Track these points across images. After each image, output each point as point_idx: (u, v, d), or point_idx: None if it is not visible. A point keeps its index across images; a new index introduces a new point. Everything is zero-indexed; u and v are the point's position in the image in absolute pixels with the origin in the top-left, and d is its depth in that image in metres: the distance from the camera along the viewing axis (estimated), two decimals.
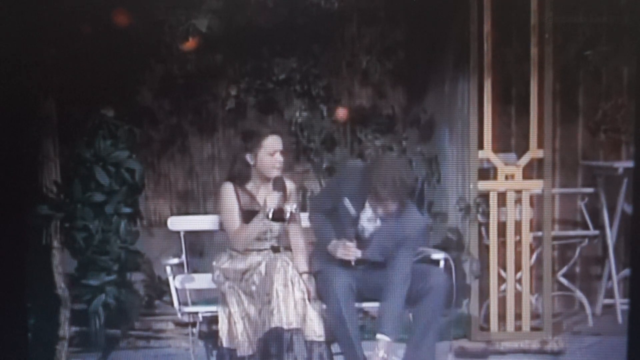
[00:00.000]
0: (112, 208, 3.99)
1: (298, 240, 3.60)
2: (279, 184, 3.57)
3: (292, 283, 3.40)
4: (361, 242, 3.51)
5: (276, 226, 3.58)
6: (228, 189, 3.58)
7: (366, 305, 3.59)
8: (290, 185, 3.64)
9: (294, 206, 3.56)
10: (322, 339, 3.42)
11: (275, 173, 3.55)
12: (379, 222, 3.51)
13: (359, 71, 4.50)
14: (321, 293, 3.46)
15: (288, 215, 3.52)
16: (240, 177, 3.59)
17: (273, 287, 3.37)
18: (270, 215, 3.49)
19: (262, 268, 3.47)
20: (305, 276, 3.49)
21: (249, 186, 3.60)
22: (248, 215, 3.56)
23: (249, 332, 3.44)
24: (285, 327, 3.33)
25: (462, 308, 4.21)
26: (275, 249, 3.59)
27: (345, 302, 3.41)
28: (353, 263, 3.50)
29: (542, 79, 4.02)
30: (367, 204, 3.50)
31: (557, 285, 4.40)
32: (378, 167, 3.48)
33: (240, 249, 3.56)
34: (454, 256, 3.65)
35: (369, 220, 3.52)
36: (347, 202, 3.51)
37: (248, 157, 3.57)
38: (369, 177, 3.43)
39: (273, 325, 3.33)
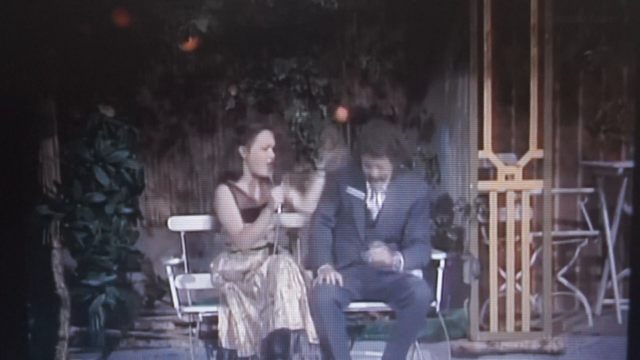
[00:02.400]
0: (112, 208, 3.99)
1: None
2: (277, 179, 3.59)
3: (295, 283, 3.40)
4: (370, 225, 3.52)
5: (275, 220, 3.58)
6: (224, 191, 3.59)
7: (364, 306, 3.59)
8: (286, 183, 3.66)
9: (298, 199, 3.57)
10: None
11: (265, 170, 3.55)
12: (381, 200, 3.52)
13: (359, 71, 4.50)
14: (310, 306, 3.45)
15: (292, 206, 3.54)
16: (233, 172, 3.59)
17: (277, 288, 3.36)
18: (280, 209, 3.49)
19: (264, 269, 3.46)
20: (305, 276, 3.50)
21: (243, 184, 3.60)
22: (246, 213, 3.55)
23: (250, 333, 3.43)
24: (291, 327, 3.33)
25: (462, 308, 4.21)
26: (272, 249, 3.58)
27: (332, 319, 3.41)
28: (370, 260, 3.51)
29: (542, 79, 4.01)
30: (367, 185, 3.52)
31: (557, 285, 4.39)
32: (364, 132, 3.64)
33: (245, 248, 3.56)
34: (447, 258, 3.64)
35: (370, 199, 3.54)
36: (351, 190, 3.54)
37: (241, 150, 3.58)
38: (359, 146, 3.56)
39: (279, 326, 3.32)
